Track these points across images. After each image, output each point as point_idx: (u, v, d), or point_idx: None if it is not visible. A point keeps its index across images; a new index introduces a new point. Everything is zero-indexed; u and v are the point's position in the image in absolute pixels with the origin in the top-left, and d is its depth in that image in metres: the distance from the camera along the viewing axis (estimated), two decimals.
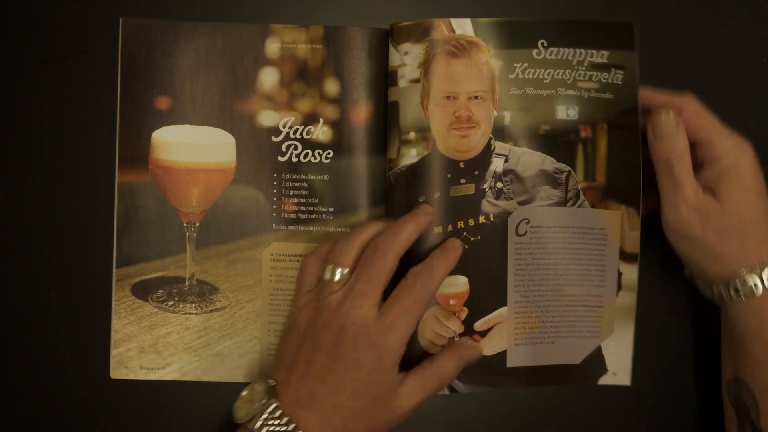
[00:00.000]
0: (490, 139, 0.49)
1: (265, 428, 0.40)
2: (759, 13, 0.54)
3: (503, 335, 0.48)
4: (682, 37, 0.54)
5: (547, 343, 0.49)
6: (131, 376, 0.52)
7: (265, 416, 0.40)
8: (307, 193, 0.53)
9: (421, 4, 0.53)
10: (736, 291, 0.43)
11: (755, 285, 0.42)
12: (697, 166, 0.45)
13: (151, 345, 0.52)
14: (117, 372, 0.52)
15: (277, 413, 0.40)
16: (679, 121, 0.44)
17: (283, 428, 0.40)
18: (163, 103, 0.52)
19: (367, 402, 0.41)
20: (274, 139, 0.53)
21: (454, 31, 0.48)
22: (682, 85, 0.54)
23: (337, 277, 0.44)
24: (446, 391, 0.48)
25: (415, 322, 0.43)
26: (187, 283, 0.53)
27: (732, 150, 0.44)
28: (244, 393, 0.43)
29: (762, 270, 0.42)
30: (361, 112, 0.52)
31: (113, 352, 0.52)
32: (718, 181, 0.44)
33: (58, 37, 0.53)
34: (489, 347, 0.48)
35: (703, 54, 0.54)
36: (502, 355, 0.48)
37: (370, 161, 0.52)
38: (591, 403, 0.53)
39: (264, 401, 0.41)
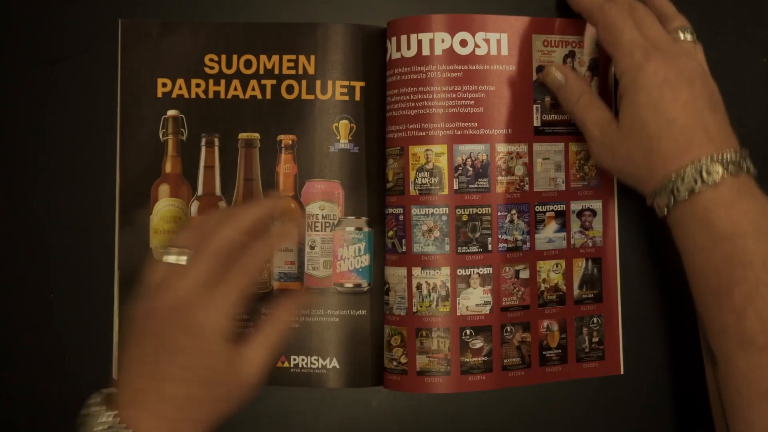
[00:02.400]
0: None
1: None
2: (759, 13, 0.54)
3: None
4: None
5: None
6: None
7: (98, 426, 0.39)
8: None
9: (421, 3, 0.53)
10: (677, 191, 0.41)
11: (694, 179, 0.41)
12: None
13: None
14: None
15: (110, 419, 0.39)
16: (566, 70, 0.49)
17: None
18: None
19: (201, 385, 0.40)
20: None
21: None
22: None
23: (171, 259, 0.42)
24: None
25: (233, 298, 0.41)
26: None
27: (629, 69, 0.43)
28: (84, 408, 0.41)
29: (700, 169, 0.41)
30: None
31: (116, 353, 0.52)
32: (620, 102, 0.45)
33: (58, 37, 0.53)
34: None
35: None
36: None
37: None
38: (591, 396, 0.53)
39: (97, 409, 0.40)
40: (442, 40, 0.49)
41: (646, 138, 0.42)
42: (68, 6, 0.52)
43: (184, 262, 0.41)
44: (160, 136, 0.52)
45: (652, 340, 0.54)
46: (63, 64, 0.53)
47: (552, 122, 0.52)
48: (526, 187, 0.51)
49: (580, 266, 0.52)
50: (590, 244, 0.53)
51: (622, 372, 0.52)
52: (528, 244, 0.51)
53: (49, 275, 0.52)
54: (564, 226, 0.52)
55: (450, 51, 0.49)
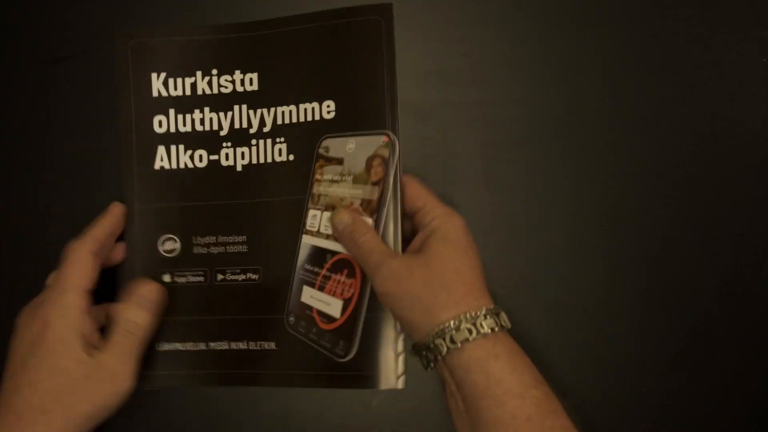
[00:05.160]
0: None
1: None
2: (759, 13, 0.54)
3: None
4: (682, 37, 0.54)
5: None
6: None
7: None
8: None
9: None
10: (452, 340, 0.41)
11: (469, 329, 0.42)
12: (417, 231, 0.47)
13: None
14: None
15: None
16: (351, 212, 0.47)
17: None
18: None
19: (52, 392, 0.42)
20: None
21: None
22: (682, 85, 0.54)
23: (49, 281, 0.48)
24: None
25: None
26: None
27: (441, 215, 0.46)
28: None
29: (475, 318, 0.42)
30: None
31: None
32: (426, 241, 0.45)
33: (58, 37, 0.53)
34: None
35: (703, 54, 0.54)
36: None
37: None
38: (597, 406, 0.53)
39: None
40: None
41: (451, 272, 0.44)
42: (68, 6, 0.53)
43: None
44: None
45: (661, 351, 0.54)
46: (63, 64, 0.53)
47: None
48: None
49: None
50: None
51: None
52: None
53: (49, 275, 0.52)
54: None
55: None
